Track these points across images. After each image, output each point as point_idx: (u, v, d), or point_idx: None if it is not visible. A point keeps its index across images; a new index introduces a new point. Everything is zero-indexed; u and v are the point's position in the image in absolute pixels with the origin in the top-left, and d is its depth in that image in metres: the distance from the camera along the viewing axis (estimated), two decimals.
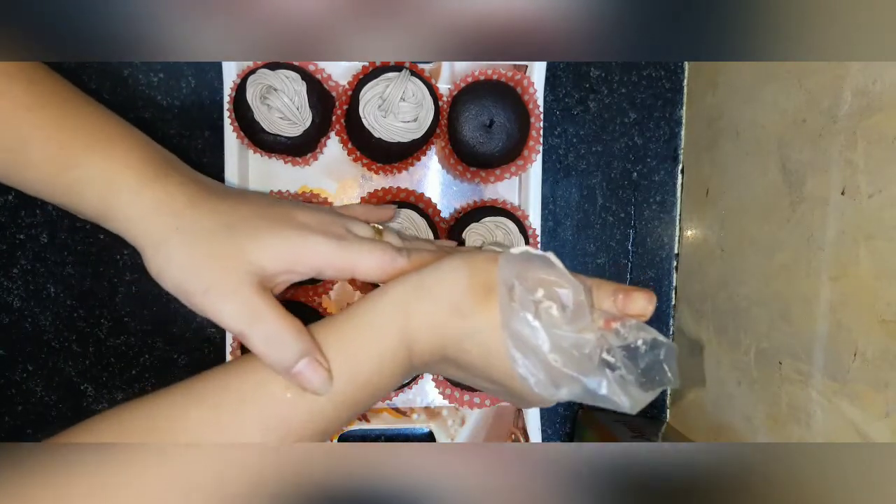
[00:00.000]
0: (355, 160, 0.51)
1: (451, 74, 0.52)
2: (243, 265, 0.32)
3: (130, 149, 0.33)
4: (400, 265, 0.35)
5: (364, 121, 0.46)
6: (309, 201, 0.49)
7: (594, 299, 0.32)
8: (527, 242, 0.50)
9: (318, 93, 0.47)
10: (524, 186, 0.53)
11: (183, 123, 0.53)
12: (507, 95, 0.49)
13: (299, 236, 0.33)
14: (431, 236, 0.48)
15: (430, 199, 0.51)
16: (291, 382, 0.31)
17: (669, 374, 0.30)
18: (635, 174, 0.58)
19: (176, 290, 0.32)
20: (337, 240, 0.34)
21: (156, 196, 0.32)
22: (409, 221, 0.47)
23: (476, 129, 0.48)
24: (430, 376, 0.53)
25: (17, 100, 0.31)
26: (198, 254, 0.31)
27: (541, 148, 0.51)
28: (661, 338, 0.30)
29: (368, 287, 0.50)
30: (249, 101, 0.46)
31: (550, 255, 0.31)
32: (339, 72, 0.51)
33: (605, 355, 0.30)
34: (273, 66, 0.46)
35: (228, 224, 0.32)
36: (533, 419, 0.52)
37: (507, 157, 0.50)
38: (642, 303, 0.32)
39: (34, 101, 0.32)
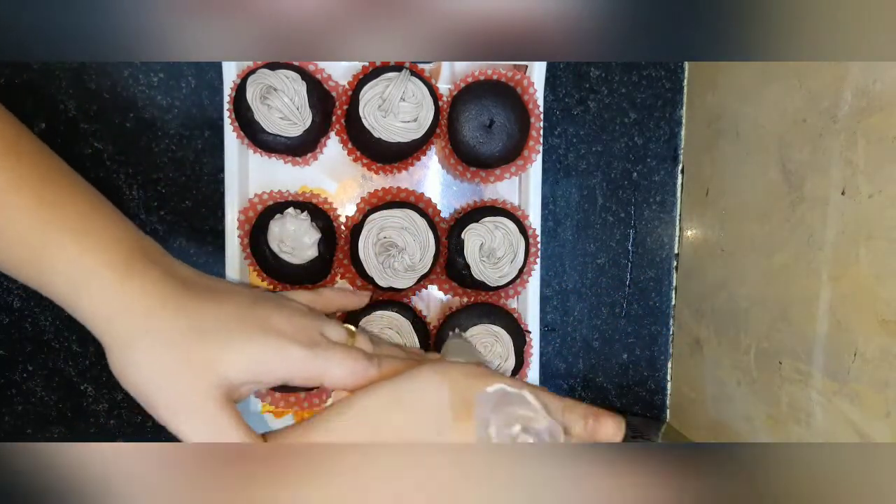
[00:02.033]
0: (355, 160, 0.51)
1: (451, 74, 0.52)
2: (210, 376, 0.31)
3: (107, 240, 0.31)
4: (370, 375, 0.35)
5: (364, 121, 0.46)
6: (308, 201, 0.49)
7: (565, 421, 0.33)
8: (527, 242, 0.50)
9: (318, 93, 0.47)
10: (524, 186, 0.53)
11: (183, 123, 0.53)
12: (507, 95, 0.49)
13: (273, 346, 0.33)
14: (432, 237, 0.48)
15: (430, 199, 0.51)
16: None
17: None
18: (635, 174, 0.58)
19: (137, 396, 0.31)
20: (310, 348, 0.34)
21: (127, 294, 0.31)
22: (409, 221, 0.47)
23: (476, 129, 0.48)
24: None
25: None
26: (163, 361, 0.30)
27: (541, 148, 0.51)
28: None
29: (370, 289, 0.50)
30: (249, 101, 0.46)
31: (525, 393, 0.32)
32: (339, 72, 0.51)
33: None
34: (273, 66, 0.46)
35: (200, 328, 0.31)
36: None
37: (507, 157, 0.50)
38: (611, 429, 0.33)
39: (12, 181, 0.30)
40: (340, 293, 0.43)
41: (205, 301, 0.33)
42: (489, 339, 0.49)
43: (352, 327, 0.39)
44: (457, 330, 0.49)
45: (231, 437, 0.31)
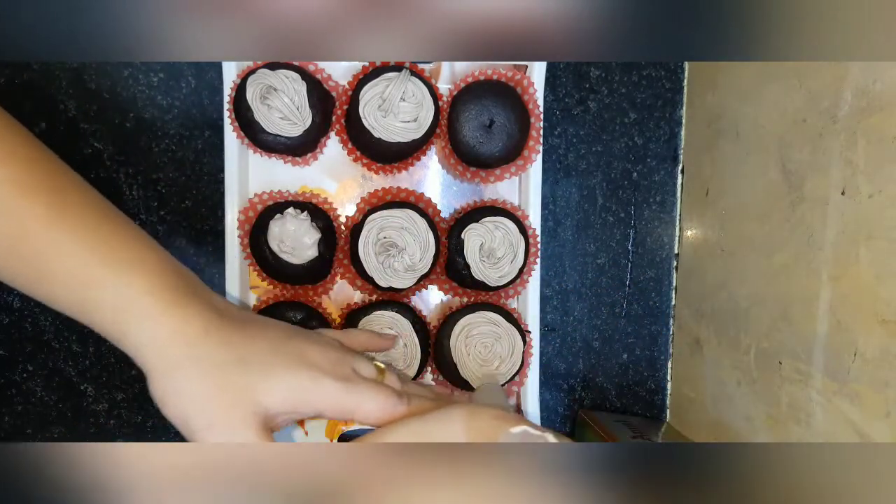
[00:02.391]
0: (355, 160, 0.51)
1: (451, 74, 0.52)
2: (250, 404, 0.32)
3: (150, 271, 0.32)
4: (400, 412, 0.36)
5: (364, 121, 0.46)
6: (308, 201, 0.49)
7: None
8: (527, 242, 0.50)
9: (318, 93, 0.47)
10: (524, 186, 0.53)
11: (183, 123, 0.53)
12: (507, 95, 0.49)
13: (309, 378, 0.34)
14: (432, 237, 0.48)
15: (430, 199, 0.51)
16: None
17: None
18: (635, 174, 0.58)
19: (177, 420, 0.32)
20: (343, 382, 0.34)
21: (171, 324, 0.32)
22: (409, 221, 0.47)
23: (476, 129, 0.48)
24: (431, 376, 0.53)
25: (38, 211, 0.31)
26: (206, 387, 0.31)
27: (541, 148, 0.51)
28: None
29: (370, 289, 0.50)
30: (249, 101, 0.46)
31: (548, 436, 0.32)
32: (339, 72, 0.51)
33: None
34: (273, 66, 0.46)
35: (241, 358, 0.32)
36: (533, 419, 0.52)
37: (507, 157, 0.50)
38: None
39: (53, 215, 0.31)
40: (367, 334, 0.45)
41: (244, 332, 0.34)
42: (489, 340, 0.49)
43: (381, 364, 0.39)
44: (492, 378, 0.49)
45: None
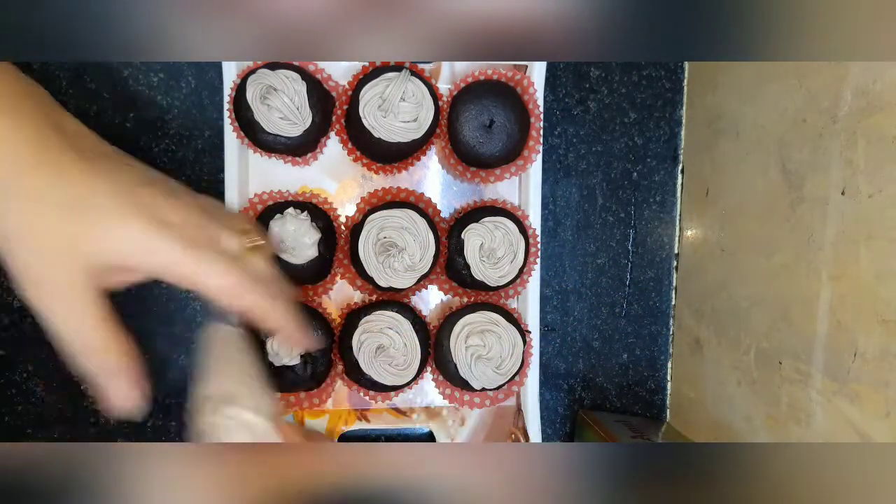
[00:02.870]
0: (355, 160, 0.51)
1: (451, 74, 0.52)
2: (78, 257, 0.28)
3: None
4: (246, 303, 0.32)
5: (364, 121, 0.47)
6: (308, 201, 0.49)
7: None
8: (527, 242, 0.50)
9: (318, 93, 0.47)
10: (524, 186, 0.53)
11: (183, 123, 0.53)
12: (507, 95, 0.49)
13: (147, 233, 0.29)
14: (432, 237, 0.48)
15: (430, 199, 0.51)
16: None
17: None
18: (635, 174, 0.58)
19: (10, 271, 0.28)
20: (189, 248, 0.30)
21: None
22: (409, 221, 0.47)
23: (476, 129, 0.48)
24: (431, 377, 0.53)
25: None
26: (33, 231, 0.27)
27: (541, 148, 0.51)
28: None
29: (370, 289, 0.50)
30: (249, 101, 0.46)
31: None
32: (339, 72, 0.51)
33: None
34: (273, 66, 0.46)
35: (75, 200, 0.27)
36: (533, 419, 0.52)
37: (507, 157, 0.50)
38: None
39: None
40: (300, 334, 0.37)
41: (89, 168, 0.28)
42: (490, 340, 0.49)
43: (260, 242, 0.34)
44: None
45: (91, 332, 0.29)
